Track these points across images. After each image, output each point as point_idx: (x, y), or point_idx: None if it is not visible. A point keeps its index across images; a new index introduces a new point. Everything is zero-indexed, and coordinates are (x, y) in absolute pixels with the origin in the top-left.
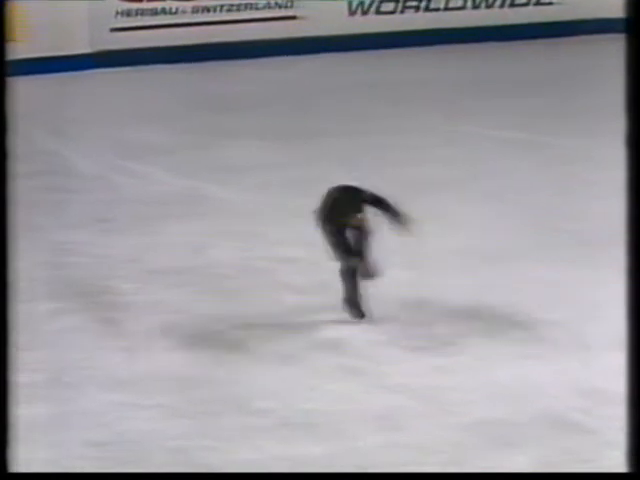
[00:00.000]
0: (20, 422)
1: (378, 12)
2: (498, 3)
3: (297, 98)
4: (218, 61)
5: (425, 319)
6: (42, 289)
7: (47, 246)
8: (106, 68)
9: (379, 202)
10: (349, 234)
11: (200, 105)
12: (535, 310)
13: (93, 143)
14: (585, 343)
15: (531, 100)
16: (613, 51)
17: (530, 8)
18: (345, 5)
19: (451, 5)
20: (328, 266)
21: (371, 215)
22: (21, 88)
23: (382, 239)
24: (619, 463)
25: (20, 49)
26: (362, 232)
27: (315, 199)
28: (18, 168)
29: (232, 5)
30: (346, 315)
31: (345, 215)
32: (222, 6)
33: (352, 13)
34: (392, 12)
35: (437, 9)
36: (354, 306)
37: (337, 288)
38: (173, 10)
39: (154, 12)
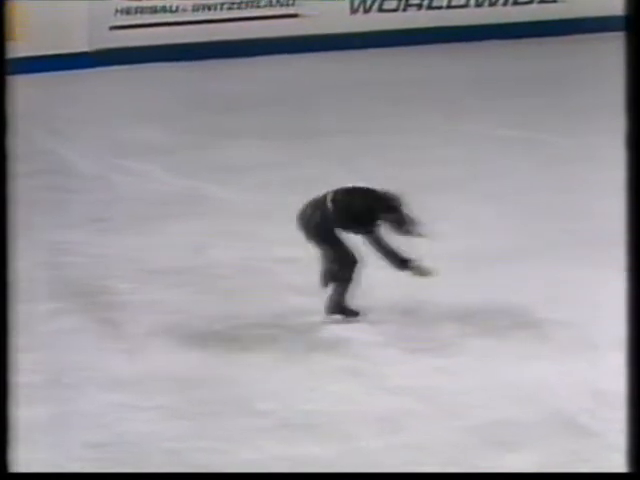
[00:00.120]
0: (20, 423)
1: (380, 10)
2: (501, 1)
3: (297, 97)
4: (219, 59)
5: (425, 320)
6: (41, 289)
7: (46, 246)
8: (106, 67)
9: (393, 207)
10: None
11: (200, 104)
12: (535, 310)
13: (92, 142)
14: (588, 343)
15: (531, 99)
16: (614, 49)
17: (533, 6)
18: (347, 3)
19: (454, 3)
20: None
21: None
22: (20, 87)
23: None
24: (623, 464)
25: (19, 48)
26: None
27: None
28: (17, 167)
29: (233, 3)
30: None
31: (373, 219)
32: (223, 4)
33: (354, 11)
34: (394, 10)
35: (439, 7)
36: (344, 309)
37: None
38: (173, 8)
39: (154, 10)
